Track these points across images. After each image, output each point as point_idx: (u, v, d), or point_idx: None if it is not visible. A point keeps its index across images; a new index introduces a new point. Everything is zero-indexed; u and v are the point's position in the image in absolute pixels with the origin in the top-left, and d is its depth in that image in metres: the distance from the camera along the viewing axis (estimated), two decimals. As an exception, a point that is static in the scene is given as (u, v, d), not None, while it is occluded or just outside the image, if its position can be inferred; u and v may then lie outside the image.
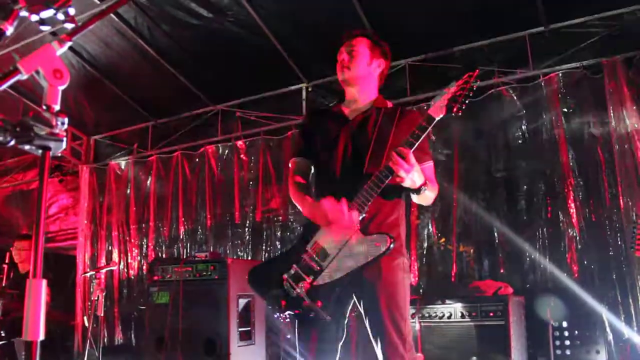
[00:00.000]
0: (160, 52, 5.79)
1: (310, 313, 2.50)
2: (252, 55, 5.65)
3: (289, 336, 2.75)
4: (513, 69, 5.13)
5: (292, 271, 2.58)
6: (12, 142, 1.32)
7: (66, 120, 1.34)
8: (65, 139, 1.32)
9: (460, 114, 2.39)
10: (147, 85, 6.44)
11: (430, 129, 2.42)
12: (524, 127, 5.09)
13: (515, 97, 5.11)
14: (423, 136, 2.42)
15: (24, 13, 1.55)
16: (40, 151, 1.34)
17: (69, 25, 1.57)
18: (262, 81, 6.12)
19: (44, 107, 1.35)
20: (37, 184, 5.96)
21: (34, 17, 1.63)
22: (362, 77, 2.77)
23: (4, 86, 1.32)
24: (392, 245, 2.45)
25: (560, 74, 4.95)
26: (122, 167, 7.26)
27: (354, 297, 2.65)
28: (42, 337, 1.29)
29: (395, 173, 2.37)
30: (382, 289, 2.53)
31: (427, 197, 2.60)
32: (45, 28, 1.68)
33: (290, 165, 2.90)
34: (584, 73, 4.86)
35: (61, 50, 1.42)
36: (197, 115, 6.72)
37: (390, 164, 2.37)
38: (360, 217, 2.49)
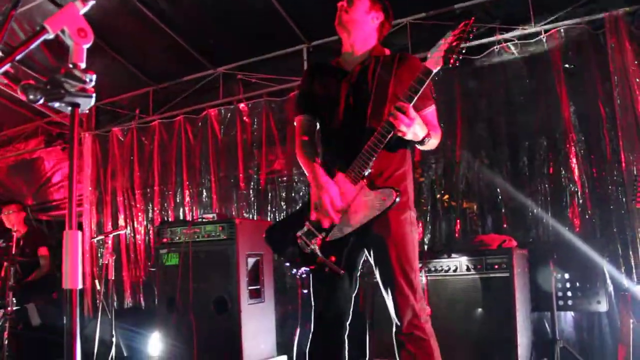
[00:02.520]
0: (160, 16, 5.75)
1: (324, 268, 2.58)
2: (252, 17, 5.62)
3: (305, 291, 2.83)
4: (514, 25, 5.13)
5: (305, 228, 2.67)
6: (42, 100, 1.36)
7: (94, 77, 1.38)
8: (94, 95, 1.37)
9: (457, 64, 2.38)
10: (147, 50, 6.42)
11: (429, 81, 2.42)
12: (525, 84, 5.11)
13: (516, 54, 5.12)
14: (422, 89, 2.42)
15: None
16: (69, 108, 1.38)
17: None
18: (263, 43, 6.10)
19: (71, 65, 1.40)
20: (39, 152, 6.02)
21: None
22: (359, 22, 2.75)
23: (33, 45, 1.36)
24: (398, 199, 2.50)
25: (562, 30, 4.93)
26: (125, 132, 7.28)
27: (365, 250, 2.73)
28: (80, 285, 1.35)
29: (396, 128, 2.41)
30: (391, 242, 2.61)
31: (430, 145, 2.65)
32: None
33: (295, 123, 2.94)
34: (585, 28, 4.85)
35: (84, 9, 1.45)
36: (198, 78, 6.71)
37: (391, 119, 2.40)
38: (367, 173, 2.54)
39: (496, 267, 3.93)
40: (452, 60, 2.37)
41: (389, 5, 2.86)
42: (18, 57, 1.33)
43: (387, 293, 2.63)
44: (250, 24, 5.75)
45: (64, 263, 1.35)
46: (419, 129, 2.47)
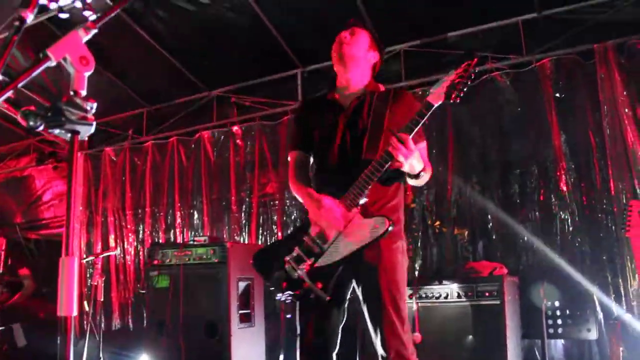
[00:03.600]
0: (156, 38, 5.79)
1: (310, 294, 2.57)
2: (247, 41, 5.67)
3: (289, 316, 2.81)
4: (506, 54, 5.20)
5: (294, 253, 2.65)
6: (42, 127, 1.37)
7: (95, 105, 1.39)
8: (94, 123, 1.38)
9: (458, 101, 2.43)
10: (142, 71, 6.45)
11: (429, 114, 2.46)
12: (517, 111, 5.17)
13: (508, 83, 5.19)
14: (422, 121, 2.46)
15: (43, 1, 1.60)
16: (69, 135, 1.39)
17: (87, 13, 1.62)
18: (258, 67, 6.15)
19: (72, 93, 1.41)
20: (30, 170, 5.99)
21: (53, 5, 1.68)
22: (358, 59, 2.80)
23: (36, 73, 1.37)
24: (390, 228, 2.50)
25: (552, 60, 5.02)
26: (117, 153, 7.28)
27: (354, 279, 2.72)
28: (75, 312, 1.35)
29: (395, 158, 2.43)
30: (382, 271, 2.61)
31: (423, 181, 2.67)
32: (64, 16, 1.73)
33: (289, 158, 2.95)
34: (576, 59, 4.94)
35: (87, 37, 1.47)
36: (193, 101, 6.74)
37: (390, 149, 2.43)
38: (362, 202, 2.55)
39: (487, 294, 3.94)
40: (453, 97, 2.40)
41: (383, 47, 2.96)
42: (20, 85, 1.34)
43: (375, 323, 2.61)
44: (246, 48, 5.80)
45: (60, 289, 1.35)
46: (416, 161, 2.50)
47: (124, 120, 7.31)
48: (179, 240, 6.47)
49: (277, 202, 6.14)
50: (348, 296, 2.76)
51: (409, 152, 2.41)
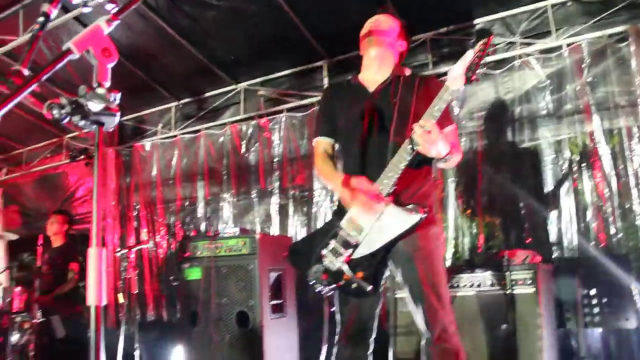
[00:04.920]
0: (181, 33, 5.81)
1: (351, 285, 2.58)
2: (273, 33, 5.66)
3: (333, 309, 2.83)
4: (536, 39, 5.10)
5: (331, 246, 2.67)
6: (67, 119, 1.38)
7: (118, 96, 1.40)
8: (118, 114, 1.39)
9: (478, 81, 2.44)
10: (169, 66, 6.48)
11: (450, 98, 2.46)
12: (548, 98, 5.07)
13: (538, 68, 5.08)
14: (445, 107, 2.47)
15: (67, -4, 1.60)
16: (94, 126, 1.40)
17: (109, 6, 1.62)
18: (284, 59, 6.15)
19: (95, 85, 1.42)
20: (63, 167, 6.11)
21: (76, 0, 1.69)
22: (387, 43, 2.80)
23: (59, 66, 1.38)
24: (424, 216, 2.50)
25: (584, 44, 4.90)
26: (147, 148, 7.37)
27: (390, 266, 2.72)
28: (104, 302, 1.36)
29: (420, 145, 2.42)
30: (418, 258, 2.62)
31: (452, 163, 2.67)
32: (87, 10, 1.73)
33: (314, 145, 2.96)
34: (608, 41, 4.81)
35: (109, 29, 1.47)
36: (220, 94, 6.77)
37: (415, 136, 2.42)
38: (391, 190, 2.54)
39: (521, 282, 3.87)
40: (473, 78, 2.41)
41: (410, 36, 2.97)
42: (44, 78, 1.35)
43: (417, 307, 2.63)
44: (271, 40, 5.79)
45: (88, 279, 1.36)
46: (442, 146, 2.48)
47: (153, 116, 7.39)
48: (210, 233, 6.52)
49: (306, 193, 6.15)
50: (382, 281, 2.76)
51: (433, 138, 2.39)
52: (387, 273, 2.76)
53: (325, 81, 6.02)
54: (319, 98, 5.90)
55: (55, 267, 6.09)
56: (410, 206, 2.55)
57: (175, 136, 7.12)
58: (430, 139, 2.39)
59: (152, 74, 6.62)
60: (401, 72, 2.83)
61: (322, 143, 2.92)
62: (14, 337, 5.34)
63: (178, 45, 5.93)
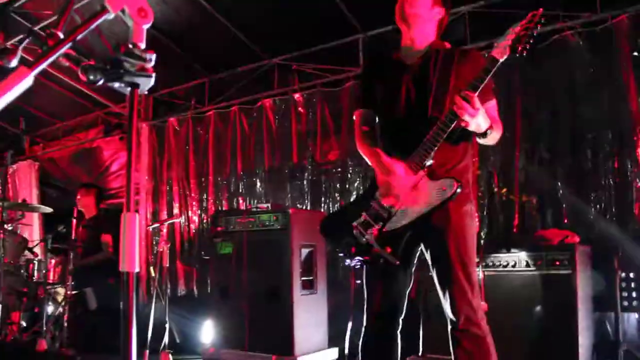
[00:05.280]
0: (216, 7, 5.77)
1: (379, 259, 2.53)
2: (308, 6, 5.57)
3: (358, 281, 2.80)
4: (579, 12, 4.92)
5: (362, 219, 2.61)
6: (102, 81, 1.35)
7: (154, 56, 1.36)
8: (154, 75, 1.35)
9: (524, 54, 2.33)
10: (203, 41, 6.45)
11: (494, 70, 2.36)
12: (590, 73, 4.89)
13: (581, 42, 4.90)
14: (487, 79, 2.37)
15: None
16: (129, 89, 1.37)
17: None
18: (319, 33, 6.04)
19: (131, 45, 1.38)
20: (98, 142, 6.18)
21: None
22: (421, 17, 2.69)
23: (94, 25, 1.35)
24: (458, 190, 2.43)
25: (630, 16, 4.70)
26: (181, 123, 7.38)
27: (422, 244, 2.66)
28: (137, 269, 1.34)
29: (460, 117, 2.35)
30: (451, 235, 2.54)
31: (492, 139, 2.58)
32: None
33: (354, 117, 2.90)
34: (656, 13, 4.62)
35: (145, -11, 1.43)
36: (253, 69, 6.71)
37: (455, 108, 2.34)
38: (428, 163, 2.48)
39: (557, 263, 3.79)
40: (519, 49, 2.32)
41: (449, 1, 2.81)
42: (79, 37, 1.32)
43: (444, 287, 2.55)
44: (306, 14, 5.70)
45: (122, 245, 1.34)
46: (483, 120, 2.41)
47: (187, 91, 7.39)
48: (242, 207, 6.52)
49: (339, 169, 6.09)
50: (415, 260, 2.71)
51: (474, 110, 2.33)
52: (418, 252, 2.71)
53: (361, 56, 5.91)
54: (354, 73, 5.88)
55: (88, 239, 6.18)
56: (444, 180, 2.48)
57: (208, 111, 7.10)
58: (470, 110, 2.32)
59: (186, 48, 6.59)
60: (441, 46, 2.74)
61: (363, 114, 2.86)
62: (49, 308, 5.46)
63: (212, 19, 5.89)
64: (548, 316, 3.77)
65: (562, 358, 3.67)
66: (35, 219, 8.48)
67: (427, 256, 2.64)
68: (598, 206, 4.70)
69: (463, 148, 2.67)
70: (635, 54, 4.67)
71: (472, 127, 2.41)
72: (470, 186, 2.68)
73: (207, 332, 5.11)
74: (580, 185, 4.79)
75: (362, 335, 2.78)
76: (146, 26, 1.41)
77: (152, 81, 1.35)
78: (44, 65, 1.26)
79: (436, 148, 2.45)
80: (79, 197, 6.60)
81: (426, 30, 2.74)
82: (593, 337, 4.08)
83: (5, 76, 1.19)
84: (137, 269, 1.34)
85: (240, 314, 4.65)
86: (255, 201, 6.53)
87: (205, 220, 6.97)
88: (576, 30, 4.90)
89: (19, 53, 1.41)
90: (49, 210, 6.52)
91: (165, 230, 7.00)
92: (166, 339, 4.81)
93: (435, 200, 2.46)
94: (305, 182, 6.31)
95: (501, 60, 2.35)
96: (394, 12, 2.77)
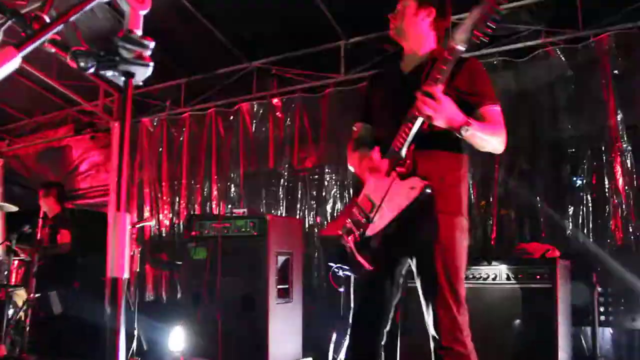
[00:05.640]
0: (196, 7, 5.66)
1: (360, 267, 2.46)
2: (289, 11, 5.51)
3: (342, 289, 2.73)
4: (562, 29, 4.95)
5: (347, 226, 2.56)
6: (93, 68, 1.25)
7: (152, 44, 1.26)
8: (151, 64, 1.25)
9: (483, 37, 2.19)
10: (182, 41, 6.32)
11: (454, 60, 2.26)
12: (571, 89, 4.92)
13: (563, 58, 4.93)
14: (448, 70, 2.27)
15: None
16: (123, 78, 1.26)
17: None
18: (300, 38, 5.97)
19: (126, 32, 1.28)
20: (67, 140, 5.97)
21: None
22: (409, 30, 2.66)
23: (87, 8, 1.24)
24: (427, 190, 2.32)
25: (611, 35, 4.74)
26: (155, 124, 7.22)
27: (409, 255, 2.58)
28: (127, 274, 1.23)
29: (422, 112, 2.26)
30: (438, 248, 2.45)
31: (481, 139, 2.44)
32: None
33: (354, 128, 2.90)
34: (637, 33, 4.66)
35: (142, -28, 1.33)
36: (232, 72, 6.61)
37: (417, 103, 2.27)
38: (402, 153, 2.41)
39: (538, 277, 3.75)
40: (477, 34, 2.18)
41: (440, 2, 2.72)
42: (72, 19, 1.21)
43: (427, 301, 2.48)
44: (288, 18, 5.64)
45: (110, 248, 1.23)
46: (453, 114, 2.30)
47: (162, 91, 7.22)
48: (215, 212, 6.39)
49: (316, 176, 6.02)
50: (403, 271, 2.63)
51: (437, 104, 2.24)
52: (407, 264, 2.62)
53: (342, 62, 5.86)
54: (334, 80, 5.82)
55: (49, 238, 5.96)
56: (412, 178, 2.38)
57: (184, 113, 6.95)
58: (432, 104, 2.24)
59: (164, 48, 6.44)
60: (439, 55, 2.68)
61: (361, 127, 2.86)
62: (9, 311, 5.24)
63: (191, 17, 5.78)
64: (528, 330, 3.73)
65: (540, 372, 3.64)
66: (-3, 218, 8.19)
67: (413, 267, 2.56)
68: (576, 221, 4.72)
69: (455, 160, 2.60)
70: (616, 72, 4.70)
71: (438, 123, 2.30)
72: (464, 199, 2.60)
73: (176, 340, 4.95)
74: (558, 200, 4.79)
75: (345, 346, 2.71)
76: (143, 12, 1.32)
77: (149, 71, 1.25)
78: (31, 48, 1.15)
79: (406, 141, 2.39)
80: (40, 197, 6.36)
81: (421, 37, 2.68)
82: (572, 351, 4.06)
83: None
84: (126, 275, 1.24)
85: (213, 321, 4.51)
86: (230, 206, 6.41)
87: (177, 224, 6.81)
88: (558, 46, 4.93)
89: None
90: (14, 208, 6.27)
91: (135, 233, 6.81)
92: (134, 347, 4.65)
93: (405, 201, 2.36)
94: (280, 188, 6.22)
95: (460, 48, 2.24)
96: (377, 19, 2.75)
